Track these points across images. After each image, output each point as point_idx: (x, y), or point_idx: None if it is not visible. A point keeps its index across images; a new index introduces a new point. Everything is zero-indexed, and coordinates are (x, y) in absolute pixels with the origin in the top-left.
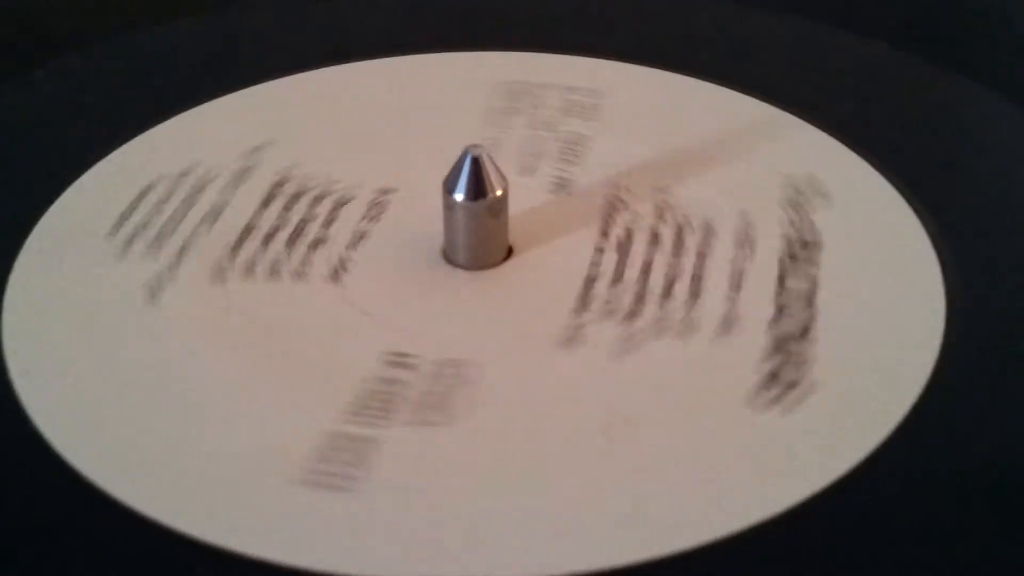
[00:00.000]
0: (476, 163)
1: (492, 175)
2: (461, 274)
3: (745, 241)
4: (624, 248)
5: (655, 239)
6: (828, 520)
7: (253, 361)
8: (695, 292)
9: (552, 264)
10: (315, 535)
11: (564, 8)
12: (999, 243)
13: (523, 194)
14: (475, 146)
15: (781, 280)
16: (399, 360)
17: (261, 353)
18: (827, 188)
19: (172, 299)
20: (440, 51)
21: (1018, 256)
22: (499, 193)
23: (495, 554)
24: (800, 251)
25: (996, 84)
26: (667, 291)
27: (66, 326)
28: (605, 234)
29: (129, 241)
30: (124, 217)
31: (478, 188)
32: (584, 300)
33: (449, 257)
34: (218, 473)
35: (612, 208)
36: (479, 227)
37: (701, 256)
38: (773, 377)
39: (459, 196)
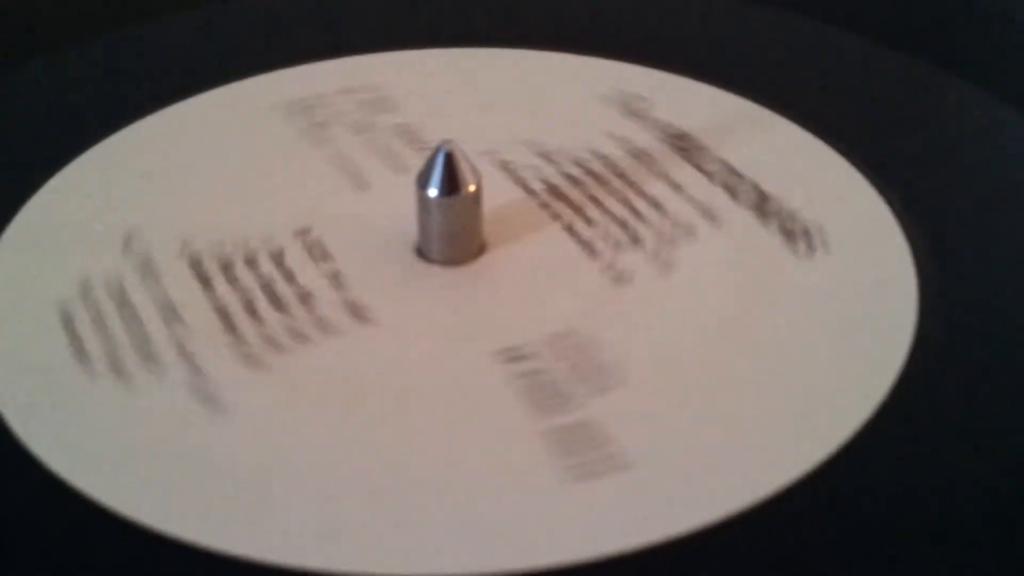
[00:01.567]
0: (449, 158)
1: (466, 170)
2: (436, 269)
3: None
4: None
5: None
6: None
7: (384, 416)
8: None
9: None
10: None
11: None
12: (978, 241)
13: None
14: (447, 141)
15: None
16: (514, 354)
17: (387, 405)
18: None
19: (239, 407)
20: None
21: (999, 256)
22: (472, 188)
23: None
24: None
25: (987, 81)
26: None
27: None
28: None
29: (120, 368)
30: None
31: (451, 183)
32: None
33: (424, 253)
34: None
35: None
36: (453, 222)
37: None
38: None
39: (433, 191)
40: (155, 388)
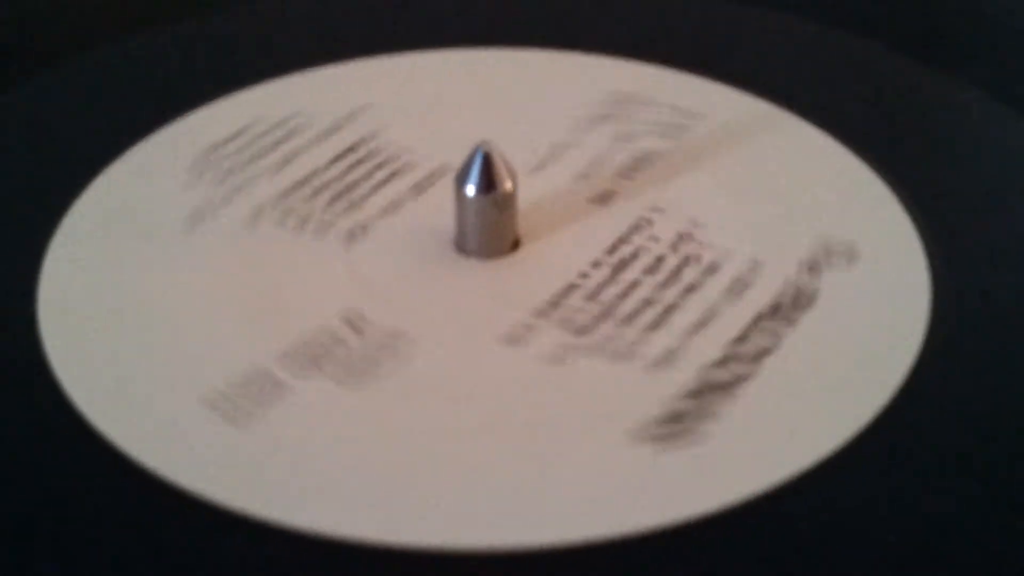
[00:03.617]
0: (487, 159)
1: (501, 170)
2: (461, 261)
3: (738, 287)
4: (620, 267)
5: (656, 265)
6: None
7: (221, 291)
8: (656, 324)
9: (546, 264)
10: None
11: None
12: (990, 242)
13: (568, 198)
14: (485, 142)
15: (743, 337)
16: (354, 321)
17: (234, 286)
18: (860, 253)
19: (204, 235)
20: (556, 50)
21: (1009, 256)
22: (508, 187)
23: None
24: (786, 309)
25: (987, 82)
26: (631, 317)
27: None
28: (612, 251)
29: (201, 172)
30: (215, 147)
31: (488, 182)
32: (551, 304)
33: (459, 244)
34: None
35: (636, 227)
36: (484, 219)
37: (689, 290)
38: (675, 418)
39: (470, 189)
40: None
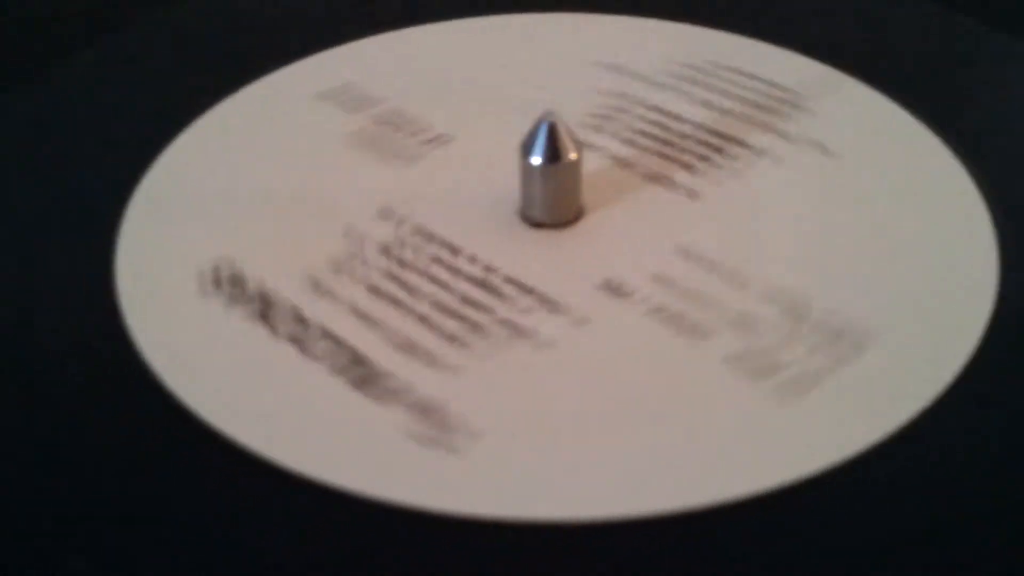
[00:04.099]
0: (552, 129)
1: (567, 140)
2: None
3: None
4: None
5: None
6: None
7: None
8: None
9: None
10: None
11: None
12: None
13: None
14: (549, 112)
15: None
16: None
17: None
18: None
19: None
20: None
21: None
22: (573, 156)
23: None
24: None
25: None
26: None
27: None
28: None
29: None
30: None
31: (553, 152)
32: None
33: (528, 217)
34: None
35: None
36: (547, 188)
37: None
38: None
39: (535, 159)
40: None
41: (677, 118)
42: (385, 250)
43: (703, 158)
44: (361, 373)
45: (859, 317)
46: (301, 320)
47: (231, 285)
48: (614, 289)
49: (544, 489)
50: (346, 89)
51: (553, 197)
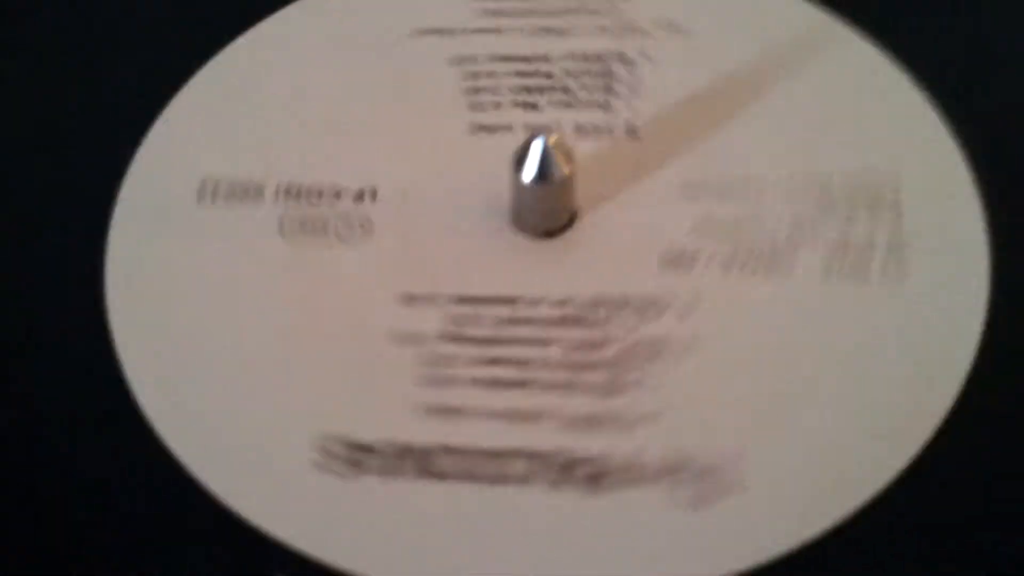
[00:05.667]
0: (545, 149)
1: (559, 159)
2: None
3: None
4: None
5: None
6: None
7: None
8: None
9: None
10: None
11: None
12: None
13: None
14: (546, 128)
15: None
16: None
17: None
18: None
19: None
20: None
21: None
22: (566, 172)
23: None
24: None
25: None
26: None
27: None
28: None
29: None
30: None
31: (544, 170)
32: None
33: (517, 223)
34: None
35: None
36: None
37: None
38: None
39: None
40: None
41: (544, 59)
42: (444, 336)
43: (607, 89)
44: (587, 471)
45: None
46: (449, 451)
47: None
48: (673, 262)
49: None
50: None
51: (543, 211)
